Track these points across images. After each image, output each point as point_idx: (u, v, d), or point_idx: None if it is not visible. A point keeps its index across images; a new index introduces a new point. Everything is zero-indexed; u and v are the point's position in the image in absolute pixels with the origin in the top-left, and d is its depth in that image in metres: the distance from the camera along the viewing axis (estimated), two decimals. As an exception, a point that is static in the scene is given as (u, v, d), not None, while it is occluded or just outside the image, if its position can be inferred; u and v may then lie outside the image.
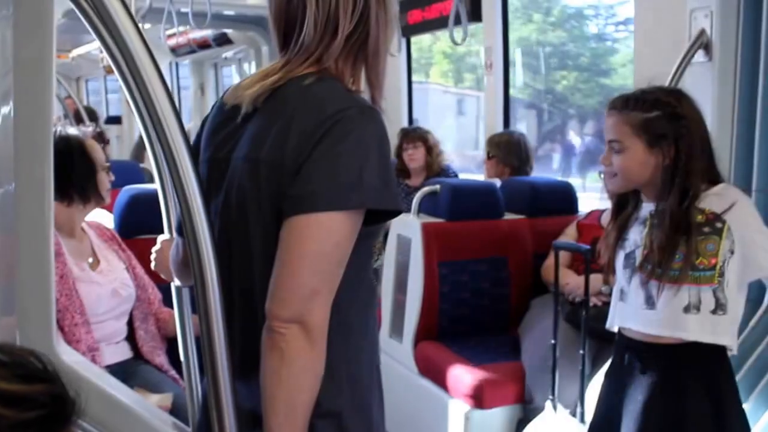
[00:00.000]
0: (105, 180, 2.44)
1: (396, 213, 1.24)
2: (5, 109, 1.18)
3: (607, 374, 2.11)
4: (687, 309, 1.86)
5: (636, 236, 1.96)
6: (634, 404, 1.92)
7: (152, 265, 1.77)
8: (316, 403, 1.21)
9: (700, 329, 1.86)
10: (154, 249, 1.76)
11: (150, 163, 5.23)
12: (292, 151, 1.19)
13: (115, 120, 8.81)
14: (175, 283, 1.72)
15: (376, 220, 1.22)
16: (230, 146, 1.31)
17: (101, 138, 4.50)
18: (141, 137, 6.70)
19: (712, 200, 1.87)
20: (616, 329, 2.06)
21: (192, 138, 1.41)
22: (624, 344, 2.00)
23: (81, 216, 2.43)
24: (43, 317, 1.43)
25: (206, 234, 1.20)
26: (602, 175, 2.01)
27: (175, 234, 1.64)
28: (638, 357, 1.94)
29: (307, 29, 1.25)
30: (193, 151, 1.41)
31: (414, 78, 5.58)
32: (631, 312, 1.95)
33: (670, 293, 1.86)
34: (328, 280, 1.18)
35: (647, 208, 1.95)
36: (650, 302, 1.90)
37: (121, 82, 1.62)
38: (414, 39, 5.47)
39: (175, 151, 1.16)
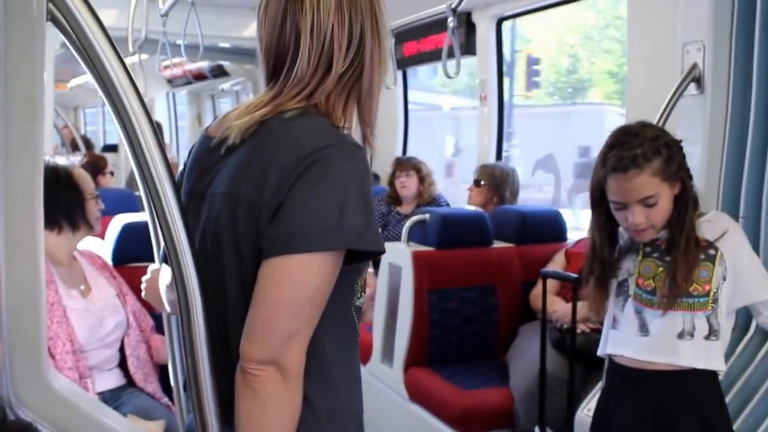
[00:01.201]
0: (94, 208, 2.47)
1: (378, 253, 1.19)
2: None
3: (600, 401, 2.13)
4: (681, 335, 1.89)
5: (629, 265, 1.98)
6: (632, 427, 1.94)
7: (143, 293, 1.79)
8: None
9: (694, 355, 1.88)
10: (144, 278, 1.79)
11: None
12: (270, 190, 1.14)
13: (111, 148, 8.86)
14: (166, 310, 1.75)
15: (358, 258, 1.18)
16: (210, 179, 1.28)
17: (93, 167, 4.54)
18: (136, 166, 6.76)
19: (705, 227, 1.92)
20: (605, 356, 2.08)
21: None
22: (615, 371, 2.02)
23: (71, 244, 2.46)
24: (33, 344, 1.43)
25: (190, 266, 1.18)
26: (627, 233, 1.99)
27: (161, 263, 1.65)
28: (630, 383, 1.96)
29: (300, 63, 1.21)
30: (179, 183, 1.39)
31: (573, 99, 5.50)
32: (625, 339, 1.97)
33: (664, 320, 1.89)
34: (305, 322, 1.15)
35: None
36: (644, 329, 1.92)
37: (111, 112, 1.68)
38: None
39: (158, 183, 1.16)
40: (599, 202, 1.97)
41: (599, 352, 2.09)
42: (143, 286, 1.77)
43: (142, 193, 1.73)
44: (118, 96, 1.16)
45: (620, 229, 2.01)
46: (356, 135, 1.29)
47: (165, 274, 1.55)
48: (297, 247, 1.11)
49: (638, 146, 1.85)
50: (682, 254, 1.87)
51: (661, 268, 1.92)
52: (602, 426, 2.05)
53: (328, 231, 1.12)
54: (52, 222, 2.32)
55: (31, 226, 1.36)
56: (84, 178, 2.47)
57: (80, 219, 2.41)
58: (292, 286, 1.12)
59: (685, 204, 1.90)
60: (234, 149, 1.23)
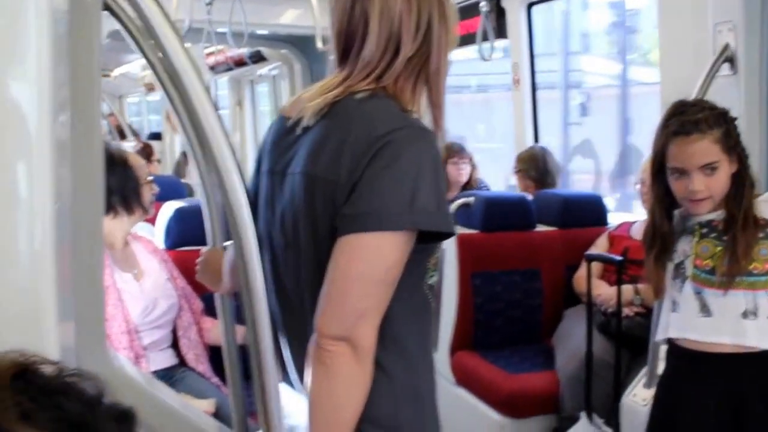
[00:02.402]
0: (148, 192, 2.54)
1: (449, 235, 1.23)
2: (63, 119, 1.21)
3: (661, 385, 2.11)
4: (745, 315, 1.87)
5: (685, 246, 1.97)
6: (693, 413, 1.93)
7: (197, 275, 1.83)
8: (375, 417, 1.23)
9: (759, 335, 1.87)
10: (198, 260, 1.83)
11: (190, 178, 5.34)
12: (345, 169, 1.18)
13: (155, 137, 9.00)
14: (220, 291, 1.79)
15: (429, 239, 1.22)
16: (288, 158, 1.31)
17: (144, 153, 4.62)
18: (182, 154, 6.86)
19: (762, 207, 1.92)
20: (663, 341, 2.07)
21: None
22: (678, 354, 2.00)
23: (126, 228, 2.52)
24: (95, 324, 1.48)
25: (253, 245, 1.22)
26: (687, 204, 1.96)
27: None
28: (695, 366, 1.95)
29: (369, 46, 1.24)
30: (256, 163, 1.45)
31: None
32: (686, 321, 1.95)
33: (725, 300, 1.88)
34: (377, 300, 1.18)
35: (694, 219, 1.96)
36: (705, 310, 1.91)
37: (167, 99, 1.72)
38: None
39: (221, 163, 1.19)
40: (659, 174, 1.96)
41: (658, 337, 2.07)
42: (198, 267, 1.81)
43: (197, 177, 1.79)
44: (180, 79, 1.18)
45: (675, 212, 2.00)
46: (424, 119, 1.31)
47: (227, 253, 1.60)
48: (370, 226, 1.15)
49: (699, 112, 1.86)
50: (740, 230, 1.86)
51: (719, 248, 1.90)
52: (665, 412, 2.03)
53: (401, 212, 1.15)
54: (107, 206, 2.37)
55: (94, 211, 1.40)
56: (139, 163, 2.54)
57: (135, 203, 2.46)
58: (365, 264, 1.16)
59: (743, 182, 1.89)
60: (309, 129, 1.27)
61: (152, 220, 3.11)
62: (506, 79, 4.51)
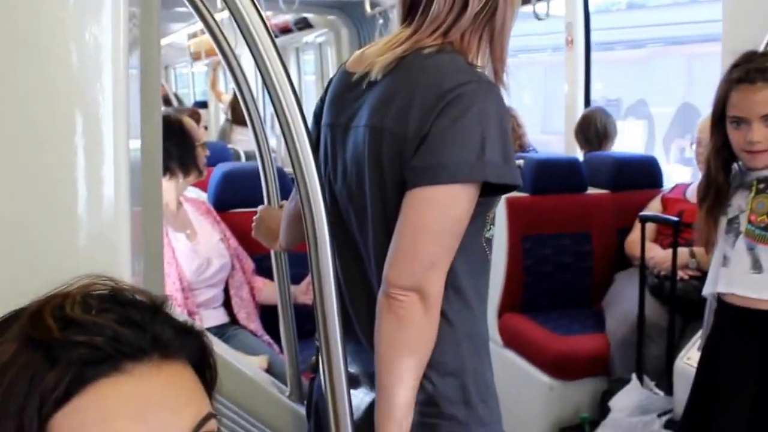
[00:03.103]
0: (202, 154, 2.58)
1: (514, 187, 1.24)
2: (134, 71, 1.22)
3: (706, 343, 2.10)
4: None
5: (740, 202, 1.93)
6: (740, 371, 1.91)
7: (253, 232, 1.85)
8: (441, 363, 1.26)
9: None
10: (255, 217, 1.85)
11: (235, 143, 5.43)
12: (414, 123, 1.20)
13: (201, 105, 9.12)
14: (276, 248, 1.81)
15: (493, 191, 1.23)
16: (352, 112, 1.32)
17: (195, 118, 4.69)
18: (227, 121, 6.91)
19: None
20: (712, 296, 2.04)
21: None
22: (725, 311, 1.98)
23: (180, 189, 2.56)
24: (157, 281, 1.52)
25: (319, 197, 1.19)
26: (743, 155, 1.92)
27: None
28: (741, 323, 1.92)
29: (437, 1, 1.25)
30: (314, 117, 1.46)
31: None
32: (736, 277, 1.92)
33: None
34: (445, 251, 1.20)
35: (752, 174, 1.92)
36: (757, 266, 1.87)
37: (223, 62, 1.73)
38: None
39: (290, 116, 1.17)
40: (718, 123, 1.93)
41: (705, 291, 2.05)
42: (254, 225, 1.84)
43: (252, 137, 1.81)
44: (251, 37, 1.16)
45: (734, 165, 1.96)
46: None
47: (284, 210, 1.64)
48: (441, 178, 1.17)
49: (766, 62, 1.83)
50: None
51: None
52: (709, 368, 2.01)
53: (470, 164, 1.17)
54: (165, 168, 2.41)
55: (155, 173, 1.42)
56: (193, 126, 2.58)
57: (191, 164, 2.50)
58: (435, 215, 1.18)
59: None
60: (375, 84, 1.28)
61: (202, 185, 3.16)
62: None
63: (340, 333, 1.20)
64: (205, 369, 0.68)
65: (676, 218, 2.68)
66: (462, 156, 1.17)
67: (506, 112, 1.23)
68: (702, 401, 2.03)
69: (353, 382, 1.34)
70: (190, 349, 0.66)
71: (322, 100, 1.45)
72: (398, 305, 1.19)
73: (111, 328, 0.59)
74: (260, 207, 1.86)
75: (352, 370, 1.35)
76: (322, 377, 1.25)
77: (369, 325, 1.26)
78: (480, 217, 1.27)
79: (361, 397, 1.32)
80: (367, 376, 1.29)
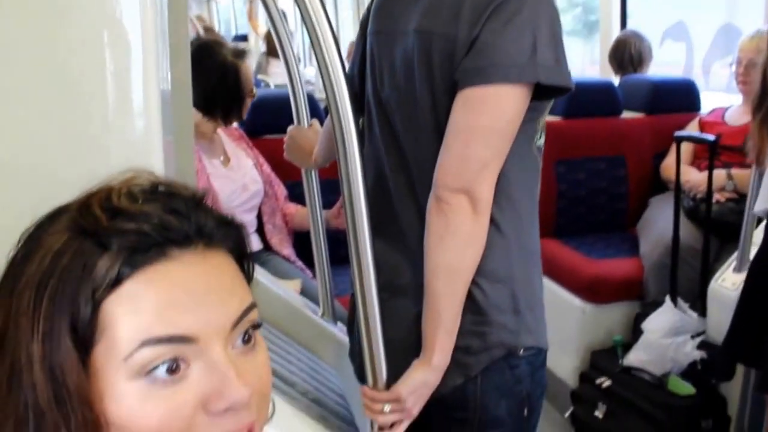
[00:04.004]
0: (248, 103, 2.55)
1: (566, 90, 1.23)
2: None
3: (754, 262, 2.08)
4: None
5: None
6: None
7: (285, 153, 1.86)
8: (491, 271, 1.27)
9: None
10: (286, 138, 1.86)
11: (271, 76, 5.39)
12: (465, 25, 1.18)
13: (242, 38, 9.18)
14: (309, 165, 1.82)
15: (543, 95, 1.22)
16: (400, 19, 1.31)
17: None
18: (263, 54, 6.87)
19: None
20: (761, 211, 2.01)
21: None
22: None
23: (218, 124, 2.56)
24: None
25: (350, 115, 1.19)
26: None
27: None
28: None
29: None
30: (361, 27, 1.45)
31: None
32: None
33: None
34: (496, 153, 1.19)
35: None
36: None
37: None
38: None
39: (323, 39, 1.16)
40: None
41: (757, 208, 2.02)
42: (285, 145, 1.84)
43: (282, 57, 1.81)
44: None
45: None
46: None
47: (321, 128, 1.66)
48: (492, 78, 1.16)
49: None
50: None
51: None
52: (755, 289, 1.99)
53: (522, 64, 1.16)
54: (208, 112, 2.41)
55: (185, 103, 1.43)
56: (248, 75, 2.54)
57: (235, 115, 2.49)
58: (486, 116, 1.17)
59: None
60: None
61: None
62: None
63: (370, 250, 1.22)
64: (244, 260, 0.70)
65: (713, 137, 2.63)
66: (513, 57, 1.16)
67: (557, 16, 1.22)
68: (748, 320, 2.02)
69: (401, 294, 1.35)
70: (231, 239, 0.68)
71: (368, 9, 1.44)
72: (448, 208, 1.19)
73: (157, 216, 0.62)
74: (290, 127, 1.86)
75: (401, 281, 1.36)
76: (355, 296, 1.27)
77: (419, 235, 1.27)
78: (531, 123, 1.26)
79: (409, 308, 1.33)
80: (415, 287, 1.29)
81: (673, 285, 2.67)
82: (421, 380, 1.26)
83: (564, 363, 2.96)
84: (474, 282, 1.27)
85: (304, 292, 2.29)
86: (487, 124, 1.17)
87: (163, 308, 0.60)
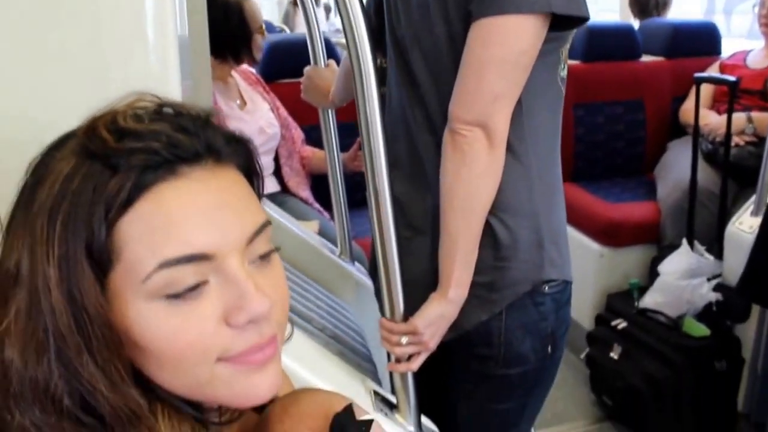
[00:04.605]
0: (259, 41, 2.52)
1: (583, 20, 1.21)
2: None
3: None
4: None
5: None
6: None
7: (302, 93, 1.86)
8: (514, 204, 1.26)
9: None
10: (303, 78, 1.85)
11: (298, 25, 5.31)
12: None
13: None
14: (326, 105, 1.82)
15: (562, 26, 1.20)
16: None
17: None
18: (290, 3, 6.79)
19: None
20: None
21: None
22: None
23: (231, 66, 2.55)
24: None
25: (367, 50, 1.17)
26: None
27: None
28: None
29: None
30: None
31: None
32: None
33: None
34: (512, 85, 1.18)
35: None
36: None
37: None
38: None
39: None
40: None
41: None
42: (302, 86, 1.84)
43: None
44: None
45: None
46: None
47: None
48: (505, 8, 1.14)
49: None
50: None
51: None
52: None
53: None
54: (218, 53, 2.40)
55: (203, 48, 1.43)
56: (253, 12, 2.50)
57: (245, 53, 2.47)
58: (500, 47, 1.16)
59: None
60: None
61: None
62: None
63: (387, 185, 1.22)
64: (254, 178, 0.70)
65: (733, 78, 2.59)
66: None
67: None
68: (764, 262, 2.02)
69: (422, 232, 1.35)
70: (240, 156, 0.67)
71: None
72: (463, 141, 1.18)
73: (165, 134, 0.61)
74: (307, 68, 1.86)
75: (422, 219, 1.35)
76: (372, 231, 1.27)
77: (438, 172, 1.26)
78: (553, 54, 1.25)
79: (429, 245, 1.33)
80: (435, 224, 1.29)
81: (690, 228, 2.67)
82: (438, 313, 1.27)
83: (580, 306, 2.97)
84: (496, 216, 1.26)
85: (322, 234, 2.31)
86: (500, 55, 1.15)
87: (177, 227, 0.60)
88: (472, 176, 1.20)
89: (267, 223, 0.66)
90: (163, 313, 0.60)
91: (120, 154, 0.59)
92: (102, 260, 0.60)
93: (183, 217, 0.60)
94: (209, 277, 0.61)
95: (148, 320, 0.60)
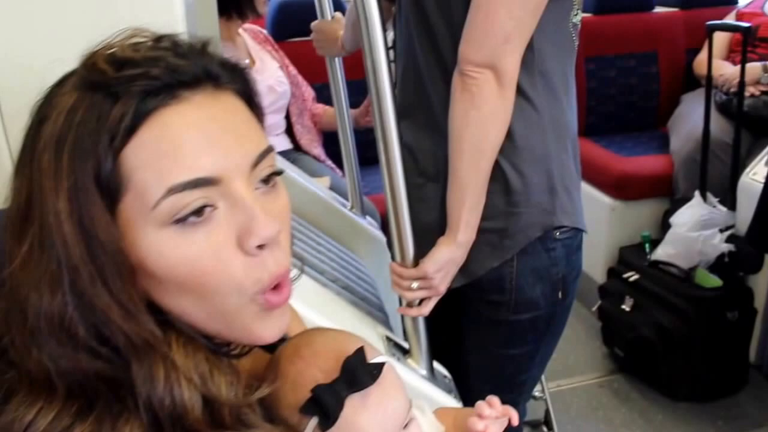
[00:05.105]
0: None
1: None
2: None
3: None
4: None
5: None
6: None
7: (316, 49, 1.87)
8: (526, 149, 1.26)
9: None
10: (312, 34, 1.86)
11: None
12: None
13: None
14: (340, 53, 1.82)
15: None
16: None
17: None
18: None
19: None
20: None
21: None
22: None
23: (238, 24, 2.54)
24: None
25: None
26: None
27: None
28: None
29: None
30: None
31: None
32: None
33: None
34: (521, 26, 1.17)
35: None
36: None
37: None
38: None
39: None
40: None
41: None
42: (314, 41, 1.85)
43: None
44: None
45: None
46: None
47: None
48: None
49: None
50: None
51: None
52: None
53: None
54: (222, 11, 2.38)
55: (210, 6, 1.42)
56: None
57: (248, 9, 2.45)
58: None
59: None
60: None
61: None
62: None
63: (395, 129, 1.22)
64: (254, 106, 0.71)
65: (746, 24, 2.56)
66: None
67: None
68: None
69: (433, 178, 1.35)
70: (238, 82, 0.68)
71: None
72: (472, 83, 1.17)
73: (164, 60, 0.62)
74: (314, 23, 1.86)
75: (433, 166, 1.35)
76: (382, 175, 1.27)
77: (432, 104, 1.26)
78: None
79: (440, 190, 1.33)
80: (445, 171, 1.29)
81: (702, 180, 2.66)
82: (447, 257, 1.28)
83: (593, 260, 2.98)
84: (508, 161, 1.26)
85: (333, 189, 2.33)
86: None
87: (182, 151, 0.61)
88: (482, 119, 1.19)
89: (270, 149, 0.67)
90: (175, 240, 0.61)
91: (120, 83, 0.60)
92: (111, 189, 0.60)
93: (187, 141, 0.61)
94: (217, 202, 0.62)
95: (161, 248, 0.61)
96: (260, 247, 0.63)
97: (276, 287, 0.66)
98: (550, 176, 1.30)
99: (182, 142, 0.61)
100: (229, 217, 0.63)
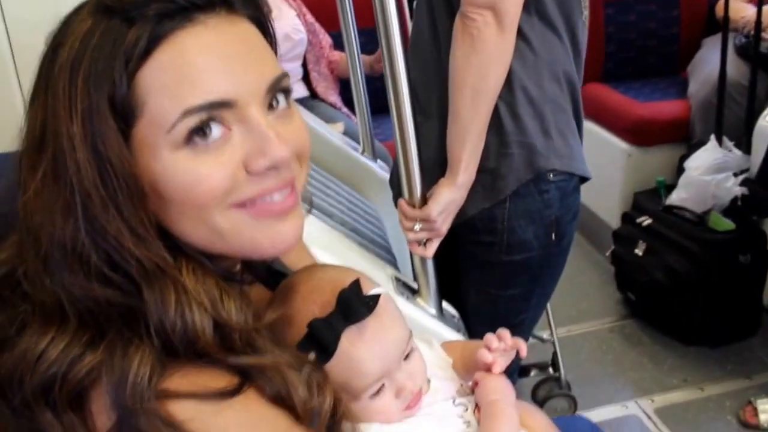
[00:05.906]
0: None
1: None
2: None
3: None
4: None
5: None
6: None
7: None
8: (521, 89, 1.28)
9: None
10: None
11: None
12: None
13: None
14: None
15: None
16: None
17: None
18: None
19: None
20: None
21: None
22: None
23: None
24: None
25: None
26: None
27: None
28: None
29: None
30: None
31: None
32: None
33: None
34: None
35: None
36: None
37: None
38: None
39: None
40: None
41: None
42: None
43: None
44: None
45: None
46: None
47: None
48: None
49: None
50: None
51: None
52: None
53: None
54: None
55: None
56: None
57: None
58: None
59: None
60: None
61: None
62: None
63: (404, 65, 1.23)
64: (267, 34, 0.73)
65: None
66: None
67: None
68: None
69: (429, 116, 1.37)
70: (251, 8, 0.69)
71: None
72: (473, 25, 1.19)
73: None
74: None
75: (434, 104, 1.37)
76: (391, 116, 1.29)
77: None
78: None
79: (436, 128, 1.35)
80: (443, 109, 1.31)
81: (719, 123, 2.63)
82: (449, 198, 1.31)
83: (607, 205, 3.01)
84: (503, 101, 1.28)
85: (347, 134, 2.36)
86: None
87: (197, 74, 0.62)
88: (482, 61, 1.21)
89: (285, 75, 0.68)
90: (188, 162, 0.63)
91: (136, 7, 0.61)
92: (126, 113, 0.61)
93: (203, 63, 0.62)
94: (232, 124, 0.64)
95: (174, 170, 0.63)
96: (269, 169, 0.65)
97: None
98: (544, 119, 1.32)
99: (198, 65, 0.62)
100: (242, 139, 0.65)
